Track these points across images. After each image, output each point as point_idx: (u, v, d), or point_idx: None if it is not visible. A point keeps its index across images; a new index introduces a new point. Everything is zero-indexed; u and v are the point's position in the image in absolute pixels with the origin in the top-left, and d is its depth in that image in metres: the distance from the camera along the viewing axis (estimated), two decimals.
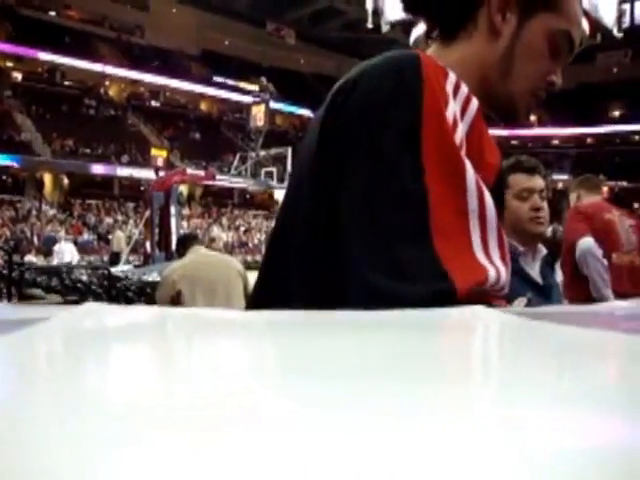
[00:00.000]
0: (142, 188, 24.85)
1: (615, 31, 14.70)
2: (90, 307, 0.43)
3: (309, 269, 0.67)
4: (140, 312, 0.54)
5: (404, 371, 0.22)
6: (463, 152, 0.65)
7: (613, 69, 36.35)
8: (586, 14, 12.18)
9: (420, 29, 10.46)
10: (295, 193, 0.72)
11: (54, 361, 0.27)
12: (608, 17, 13.54)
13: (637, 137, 36.69)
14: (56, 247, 13.12)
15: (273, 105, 21.12)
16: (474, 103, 0.70)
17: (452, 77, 0.69)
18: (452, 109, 0.66)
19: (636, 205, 29.72)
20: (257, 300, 0.76)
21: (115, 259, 13.52)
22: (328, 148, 0.66)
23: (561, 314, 0.44)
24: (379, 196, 0.61)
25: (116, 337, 0.36)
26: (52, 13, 30.58)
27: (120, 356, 0.29)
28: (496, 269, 0.63)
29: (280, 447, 0.13)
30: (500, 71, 0.79)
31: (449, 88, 0.67)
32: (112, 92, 31.82)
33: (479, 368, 0.26)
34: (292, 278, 0.69)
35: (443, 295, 0.57)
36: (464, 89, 0.70)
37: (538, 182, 1.86)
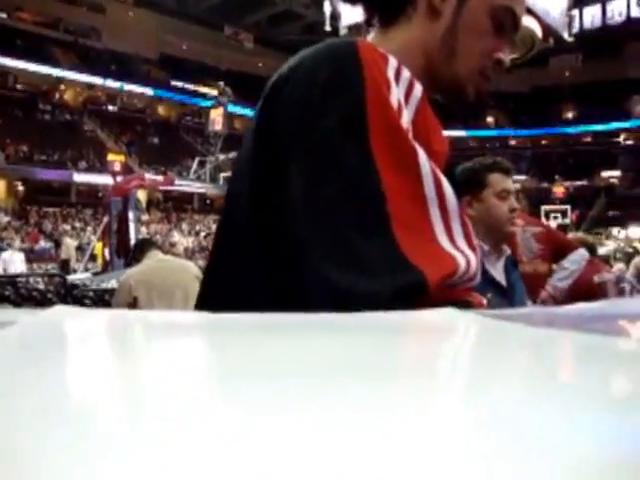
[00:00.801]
0: (100, 194, 24.47)
1: (566, 36, 15.09)
2: (59, 310, 0.42)
3: (255, 268, 0.64)
4: (109, 315, 0.54)
5: (356, 375, 0.22)
6: (411, 138, 0.62)
7: (565, 72, 37.28)
8: (538, 19, 12.50)
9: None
10: (236, 191, 0.70)
11: (20, 365, 0.27)
12: (559, 22, 13.89)
13: (589, 138, 37.69)
14: (4, 255, 12.76)
15: (232, 109, 21.09)
16: (418, 88, 0.68)
17: (393, 62, 0.66)
18: (395, 95, 0.63)
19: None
20: (204, 301, 0.73)
21: (65, 266, 13.25)
22: (267, 141, 0.64)
23: (530, 315, 0.44)
24: (329, 189, 0.58)
25: (84, 340, 0.35)
26: (2, 15, 29.86)
27: (84, 360, 0.29)
28: (465, 257, 0.60)
29: (218, 452, 0.13)
30: (444, 52, 0.76)
31: (390, 73, 0.65)
32: (68, 96, 31.25)
33: (439, 371, 0.26)
34: (237, 277, 0.66)
35: (413, 289, 0.54)
36: (406, 74, 0.67)
37: (511, 184, 1.90)
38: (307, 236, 0.57)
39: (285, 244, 0.59)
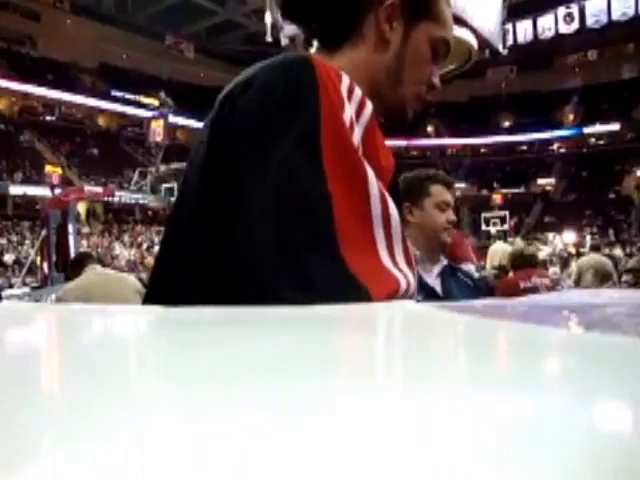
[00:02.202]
0: (38, 207, 23.82)
1: (501, 48, 15.61)
2: (3, 305, 0.45)
3: (196, 278, 0.65)
4: (56, 310, 0.57)
5: (298, 366, 0.22)
6: (361, 157, 0.64)
7: (502, 83, 38.46)
8: (475, 32, 12.87)
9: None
10: (184, 199, 0.71)
11: None
12: (494, 36, 14.37)
13: (525, 147, 38.93)
14: None
15: (173, 119, 20.89)
16: (369, 106, 0.70)
17: (346, 79, 0.68)
18: (348, 113, 0.65)
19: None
20: (152, 300, 0.74)
21: None
22: (220, 152, 0.64)
23: (486, 307, 0.45)
24: (281, 205, 0.59)
25: (31, 334, 0.36)
26: None
27: (31, 353, 0.29)
28: (405, 276, 0.63)
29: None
30: (391, 77, 0.82)
31: (344, 91, 0.67)
32: (2, 106, 30.31)
33: (383, 361, 0.26)
34: (184, 286, 0.67)
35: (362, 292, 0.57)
36: (358, 92, 0.69)
37: (451, 197, 1.97)
38: (254, 254, 0.58)
39: (234, 259, 0.59)
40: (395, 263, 0.63)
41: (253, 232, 0.58)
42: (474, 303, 0.46)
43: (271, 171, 0.60)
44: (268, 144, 0.61)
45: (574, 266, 7.67)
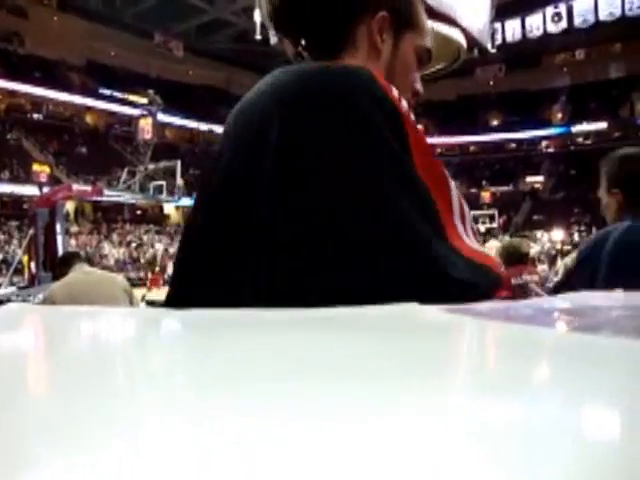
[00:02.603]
0: (25, 206, 23.65)
1: (489, 47, 15.68)
2: (11, 307, 0.44)
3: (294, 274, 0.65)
4: (64, 311, 0.56)
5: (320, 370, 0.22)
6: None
7: (490, 82, 38.62)
8: (463, 31, 12.88)
9: None
10: (232, 204, 0.70)
11: None
12: (482, 34, 14.44)
13: (513, 145, 39.13)
14: None
15: (162, 118, 20.81)
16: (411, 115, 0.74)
17: (394, 89, 0.72)
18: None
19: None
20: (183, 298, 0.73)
21: None
22: (306, 159, 0.66)
23: (490, 310, 0.46)
24: (404, 202, 0.64)
25: (38, 337, 0.36)
26: None
27: (40, 355, 0.29)
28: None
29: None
30: None
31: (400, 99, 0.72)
32: None
33: (397, 365, 0.25)
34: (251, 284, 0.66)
35: (498, 280, 0.65)
36: (404, 101, 0.72)
37: None
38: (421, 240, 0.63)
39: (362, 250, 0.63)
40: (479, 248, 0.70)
41: (390, 223, 0.63)
42: (480, 305, 0.46)
43: (387, 169, 0.65)
44: (377, 141, 0.65)
45: (560, 263, 7.73)
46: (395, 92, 0.71)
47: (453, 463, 0.13)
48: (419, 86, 0.89)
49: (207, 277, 0.71)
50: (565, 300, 0.54)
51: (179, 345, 0.33)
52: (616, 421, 0.16)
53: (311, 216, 0.65)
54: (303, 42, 0.87)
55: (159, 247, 21.02)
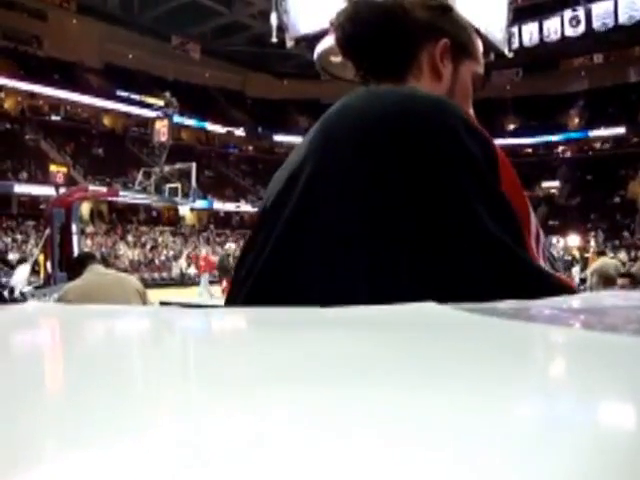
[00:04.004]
0: (42, 206, 23.87)
1: (506, 51, 15.61)
2: (30, 306, 0.46)
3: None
4: (86, 310, 0.56)
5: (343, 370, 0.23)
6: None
7: (506, 86, 38.44)
8: (480, 35, 12.80)
9: (325, 44, 10.66)
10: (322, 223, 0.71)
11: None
12: (499, 38, 14.36)
13: (529, 150, 38.90)
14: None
15: (178, 120, 20.92)
16: None
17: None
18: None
19: None
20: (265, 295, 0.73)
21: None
22: (398, 184, 0.69)
23: (509, 309, 0.46)
24: (507, 220, 0.69)
25: (56, 335, 0.37)
26: None
27: (59, 354, 0.29)
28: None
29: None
30: None
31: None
32: (8, 105, 30.43)
33: (416, 365, 0.26)
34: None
35: (571, 290, 0.72)
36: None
37: None
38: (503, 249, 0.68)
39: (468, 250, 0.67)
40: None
41: (491, 231, 0.67)
42: (499, 304, 0.46)
43: (488, 193, 0.69)
44: (477, 169, 0.69)
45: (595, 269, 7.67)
46: (475, 120, 0.75)
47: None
48: (471, 111, 0.94)
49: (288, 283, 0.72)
50: (585, 300, 0.53)
51: (194, 344, 0.34)
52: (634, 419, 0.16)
53: (406, 230, 0.68)
54: (367, 64, 0.92)
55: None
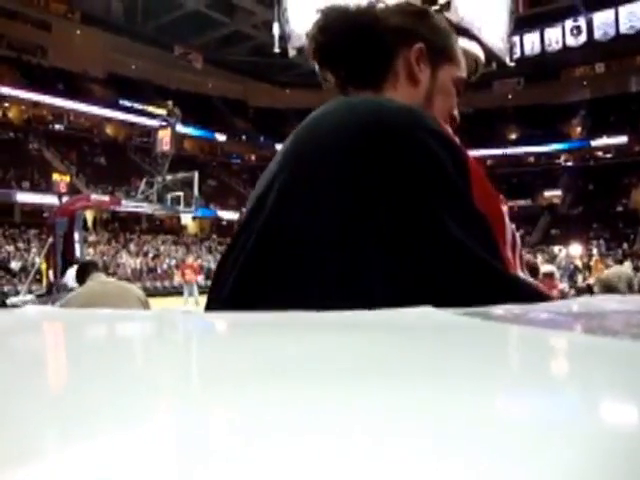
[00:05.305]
0: (45, 214, 23.91)
1: (508, 60, 15.68)
2: (29, 309, 0.46)
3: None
4: (82, 314, 0.58)
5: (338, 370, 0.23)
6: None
7: (508, 95, 38.52)
8: (481, 44, 12.90)
9: None
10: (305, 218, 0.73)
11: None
12: (501, 48, 14.44)
13: (532, 159, 38.92)
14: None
15: (181, 129, 20.98)
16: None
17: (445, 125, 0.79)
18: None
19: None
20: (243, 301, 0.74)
21: None
22: (372, 192, 0.70)
23: (510, 314, 0.46)
24: (477, 232, 0.69)
25: (58, 338, 0.37)
26: None
27: (56, 356, 0.30)
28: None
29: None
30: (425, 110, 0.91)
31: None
32: (11, 114, 30.56)
33: (412, 367, 0.25)
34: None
35: (549, 298, 0.72)
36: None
37: None
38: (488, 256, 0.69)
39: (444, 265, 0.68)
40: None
41: (464, 245, 0.68)
42: (495, 309, 0.46)
43: (461, 208, 0.70)
44: (450, 183, 0.70)
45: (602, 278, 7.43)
46: (448, 129, 0.77)
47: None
48: (456, 112, 0.97)
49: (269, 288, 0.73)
50: (582, 304, 0.54)
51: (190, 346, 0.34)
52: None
53: (375, 244, 0.68)
54: (344, 73, 0.92)
55: None
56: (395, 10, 0.93)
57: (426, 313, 0.40)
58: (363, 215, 0.70)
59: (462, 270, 0.67)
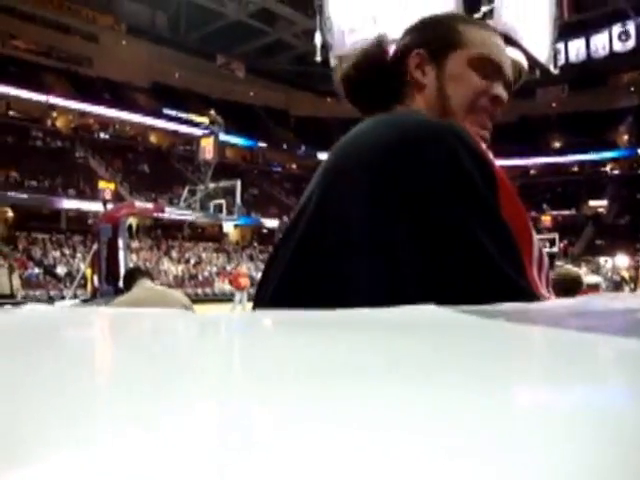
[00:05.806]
0: (90, 221, 24.44)
1: (552, 68, 15.41)
2: (30, 308, 0.46)
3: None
4: (83, 312, 0.59)
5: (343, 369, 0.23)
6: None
7: (552, 103, 37.89)
8: (524, 52, 12.73)
9: None
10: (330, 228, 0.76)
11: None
12: (545, 55, 14.20)
13: (576, 168, 38.16)
14: None
15: (223, 137, 21.20)
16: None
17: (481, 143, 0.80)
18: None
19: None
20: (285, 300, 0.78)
21: None
22: (404, 206, 0.72)
23: (512, 312, 0.46)
24: (505, 242, 0.71)
25: (54, 336, 0.37)
26: None
27: (60, 356, 0.29)
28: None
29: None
30: (441, 111, 0.89)
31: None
32: (59, 123, 31.40)
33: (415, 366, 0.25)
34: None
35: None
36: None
37: None
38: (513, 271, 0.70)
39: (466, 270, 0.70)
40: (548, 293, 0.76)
41: (493, 254, 0.69)
42: (498, 307, 0.46)
43: (489, 221, 0.71)
44: (482, 199, 0.72)
45: None
46: (484, 146, 0.78)
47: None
48: (496, 91, 0.91)
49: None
50: (587, 302, 0.54)
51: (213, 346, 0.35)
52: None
53: (409, 255, 0.71)
54: (367, 104, 0.95)
55: None
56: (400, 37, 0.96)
57: (427, 311, 0.40)
58: (396, 228, 0.72)
59: (488, 285, 0.69)
